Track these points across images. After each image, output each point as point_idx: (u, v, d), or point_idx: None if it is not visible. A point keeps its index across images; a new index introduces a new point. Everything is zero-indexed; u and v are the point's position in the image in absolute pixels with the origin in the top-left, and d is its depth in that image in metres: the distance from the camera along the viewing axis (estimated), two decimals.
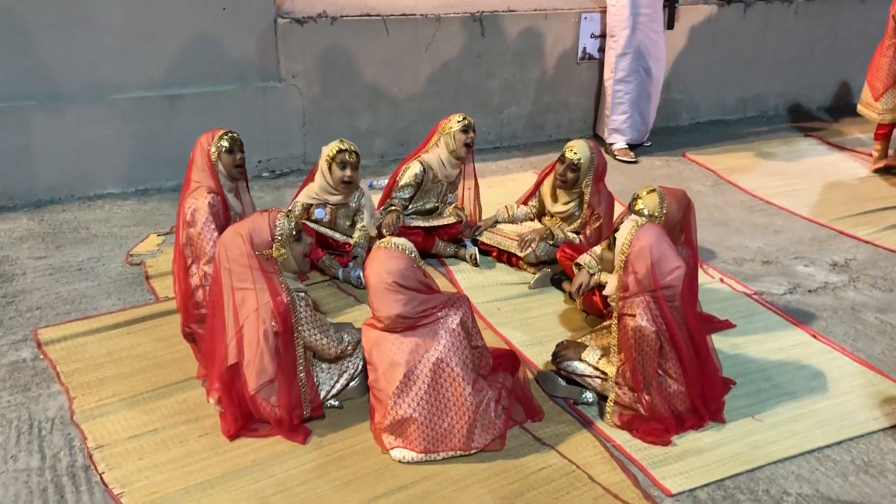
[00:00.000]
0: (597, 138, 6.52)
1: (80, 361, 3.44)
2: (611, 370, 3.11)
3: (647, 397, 3.04)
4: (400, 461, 2.89)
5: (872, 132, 6.09)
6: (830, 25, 7.52)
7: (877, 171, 5.98)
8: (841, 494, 2.83)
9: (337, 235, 4.27)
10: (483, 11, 6.02)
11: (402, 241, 2.96)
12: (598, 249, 3.88)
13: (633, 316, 2.97)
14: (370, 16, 5.69)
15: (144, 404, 3.18)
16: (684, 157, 6.36)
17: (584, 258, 3.90)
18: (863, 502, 2.80)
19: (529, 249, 4.21)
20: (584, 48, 6.46)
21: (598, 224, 4.22)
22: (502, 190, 5.53)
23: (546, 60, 6.39)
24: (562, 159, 4.17)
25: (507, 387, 3.07)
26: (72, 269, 4.26)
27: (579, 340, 3.35)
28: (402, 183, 4.38)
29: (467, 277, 4.26)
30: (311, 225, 4.20)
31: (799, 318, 3.97)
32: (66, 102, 5.04)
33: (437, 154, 4.39)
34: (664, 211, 3.47)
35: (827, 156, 6.45)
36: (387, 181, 4.59)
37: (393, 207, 4.33)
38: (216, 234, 3.44)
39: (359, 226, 4.27)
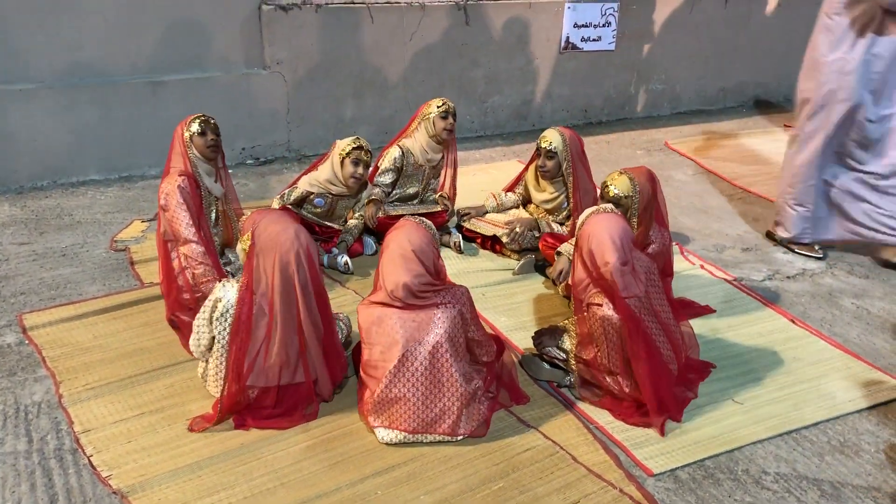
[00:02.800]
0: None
1: (65, 346, 3.44)
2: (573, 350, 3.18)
3: (623, 381, 3.09)
4: (387, 443, 2.92)
5: None
6: (809, 17, 7.59)
7: None
8: (818, 473, 2.90)
9: (327, 223, 4.30)
10: (468, 0, 6.04)
11: (429, 222, 3.03)
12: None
13: (600, 305, 3.01)
14: (354, 3, 5.69)
15: (131, 388, 3.18)
16: (665, 145, 6.43)
17: (564, 246, 3.96)
18: (839, 481, 2.87)
19: (514, 240, 4.24)
20: (568, 38, 6.51)
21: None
22: (486, 178, 5.57)
23: (530, 50, 6.43)
24: (538, 151, 4.25)
25: (494, 372, 3.11)
26: (56, 255, 4.24)
27: (560, 324, 3.40)
28: (382, 168, 4.43)
29: (452, 264, 4.29)
30: (298, 211, 4.22)
31: (778, 303, 4.04)
32: (48, 88, 5.01)
33: (417, 139, 4.41)
34: (637, 188, 3.50)
35: None
36: None
37: (373, 197, 4.36)
38: (188, 215, 3.48)
39: (356, 214, 4.31)
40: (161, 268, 3.67)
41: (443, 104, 4.36)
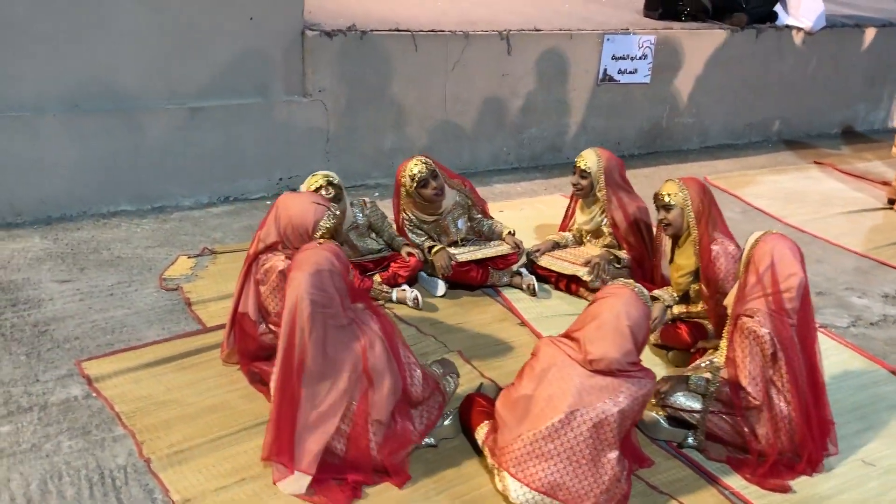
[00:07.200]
0: None
1: (138, 400, 3.14)
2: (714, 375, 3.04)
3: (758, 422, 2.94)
4: (513, 501, 2.68)
5: (878, 159, 6.05)
6: (833, 54, 7.62)
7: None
8: None
9: (369, 258, 4.16)
10: (510, 30, 5.88)
11: (645, 290, 2.79)
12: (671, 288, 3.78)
13: (752, 317, 2.94)
14: (399, 30, 5.49)
15: (223, 450, 2.89)
16: (705, 180, 6.30)
17: (659, 292, 3.78)
18: None
19: (598, 276, 4.05)
20: (605, 70, 6.38)
21: (632, 250, 4.16)
22: (533, 212, 5.40)
23: (568, 81, 6.29)
24: (573, 170, 4.22)
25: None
26: (103, 295, 3.92)
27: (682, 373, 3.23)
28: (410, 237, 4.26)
29: (528, 308, 4.08)
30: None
31: (871, 352, 3.90)
32: (81, 113, 4.69)
33: (413, 211, 4.22)
34: (687, 194, 3.53)
35: (842, 183, 6.49)
36: None
37: (439, 246, 4.14)
38: (281, 302, 3.18)
39: (389, 238, 4.18)
40: (236, 325, 3.34)
41: (415, 173, 4.01)
